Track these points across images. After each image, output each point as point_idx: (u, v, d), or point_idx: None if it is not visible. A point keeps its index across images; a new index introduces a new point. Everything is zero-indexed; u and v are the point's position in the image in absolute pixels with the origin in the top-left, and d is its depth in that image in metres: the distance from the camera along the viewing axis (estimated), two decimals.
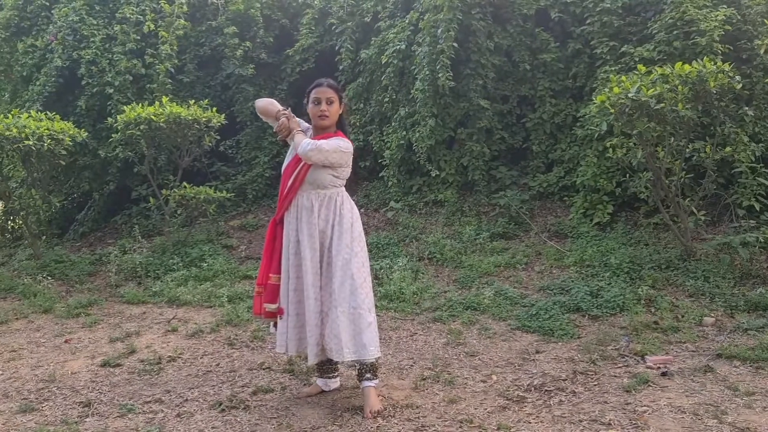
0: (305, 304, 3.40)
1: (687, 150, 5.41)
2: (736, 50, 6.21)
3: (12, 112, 7.04)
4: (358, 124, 8.36)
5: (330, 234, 3.45)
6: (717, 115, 5.37)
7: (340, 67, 8.62)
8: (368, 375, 3.44)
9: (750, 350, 3.92)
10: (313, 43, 8.85)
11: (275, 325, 3.58)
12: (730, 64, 5.01)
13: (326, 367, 3.67)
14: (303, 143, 3.36)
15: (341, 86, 3.46)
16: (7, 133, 6.49)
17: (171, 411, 3.56)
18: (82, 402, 3.72)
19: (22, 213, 7.47)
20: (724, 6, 6.33)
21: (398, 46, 7.73)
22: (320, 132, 3.53)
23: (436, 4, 7.25)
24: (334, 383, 3.72)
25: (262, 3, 9.08)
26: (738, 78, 5.02)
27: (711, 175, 5.39)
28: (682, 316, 4.62)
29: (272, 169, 8.67)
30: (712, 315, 4.61)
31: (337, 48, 8.65)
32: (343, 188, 3.57)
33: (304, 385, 3.84)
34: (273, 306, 3.49)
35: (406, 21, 7.89)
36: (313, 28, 8.94)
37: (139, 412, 3.55)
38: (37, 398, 3.82)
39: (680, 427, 3.07)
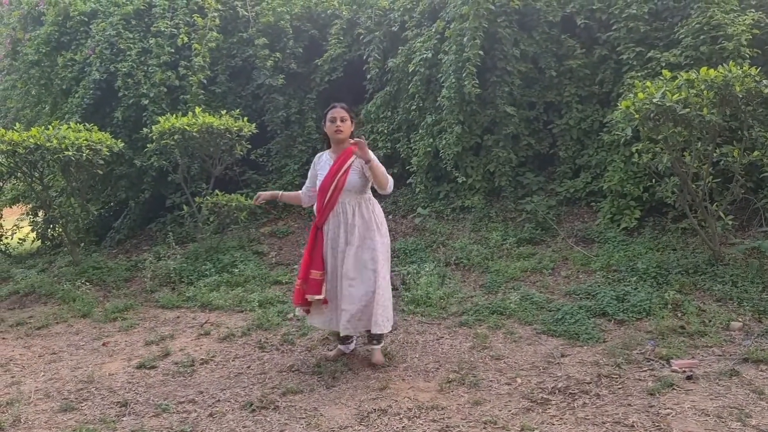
0: (345, 293, 4.10)
1: (714, 154, 5.38)
2: (764, 54, 6.15)
3: (52, 124, 7.27)
4: (385, 131, 8.46)
5: (364, 232, 4.15)
6: (745, 120, 5.34)
7: (368, 76, 8.73)
8: (375, 341, 4.35)
9: None
10: (341, 53, 8.99)
11: (307, 311, 4.31)
12: (757, 68, 4.99)
13: (345, 336, 4.40)
14: (390, 181, 4.21)
15: (351, 107, 4.42)
16: (48, 144, 6.73)
17: (204, 411, 3.68)
18: (119, 402, 3.87)
19: (61, 221, 7.71)
20: (752, 10, 6.29)
21: (425, 55, 7.82)
22: (338, 144, 4.24)
23: (461, 12, 7.33)
24: (352, 346, 4.54)
25: (292, 15, 9.25)
26: (765, 82, 4.97)
27: (739, 180, 5.35)
28: (709, 321, 4.60)
29: (302, 176, 8.80)
30: (740, 319, 4.58)
31: (365, 57, 8.77)
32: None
33: (329, 350, 4.60)
34: (318, 297, 4.13)
35: (433, 30, 7.97)
36: (342, 38, 9.08)
37: (174, 412, 3.69)
38: (76, 398, 3.99)
39: (703, 429, 3.08)
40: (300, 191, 4.59)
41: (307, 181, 4.49)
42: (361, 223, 4.17)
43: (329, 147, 4.35)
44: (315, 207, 4.31)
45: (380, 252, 4.15)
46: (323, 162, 4.31)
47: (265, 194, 4.62)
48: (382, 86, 8.70)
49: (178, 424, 3.53)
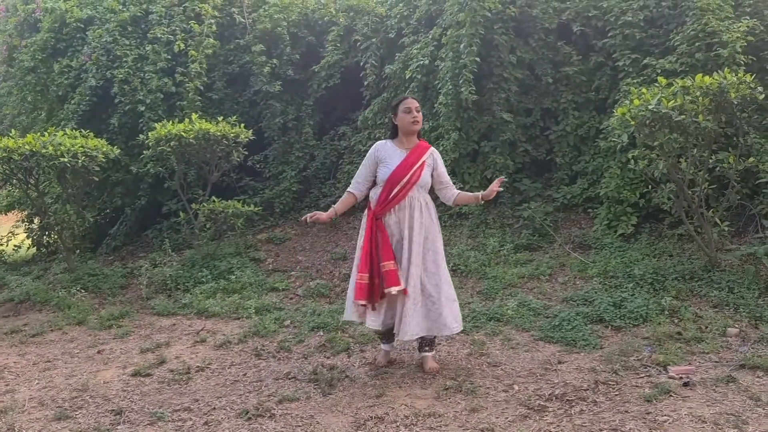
0: (415, 289, 4.03)
1: (710, 161, 5.40)
2: (759, 61, 6.19)
3: (48, 131, 7.26)
4: (383, 138, 8.42)
5: (430, 228, 4.13)
6: (740, 126, 5.36)
7: (365, 83, 8.75)
8: (427, 348, 4.24)
9: None
10: (338, 60, 9.01)
11: (364, 309, 4.13)
12: (752, 75, 5.01)
13: (390, 335, 4.30)
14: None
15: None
16: (44, 150, 6.72)
17: (199, 419, 3.66)
18: (114, 410, 3.85)
19: (57, 228, 7.69)
20: (747, 17, 6.32)
21: (422, 62, 7.83)
22: (410, 136, 4.17)
23: (458, 19, 7.36)
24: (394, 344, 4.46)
25: (289, 21, 9.28)
26: (760, 89, 5.00)
27: (735, 186, 5.36)
28: (706, 327, 4.60)
29: (299, 183, 8.81)
30: (736, 326, 4.58)
31: (362, 64, 8.79)
32: None
33: (375, 355, 4.53)
34: (399, 288, 3.97)
35: (430, 37, 8.00)
36: (339, 44, 9.10)
37: (169, 420, 3.66)
38: (71, 406, 3.96)
39: None
40: (349, 191, 4.23)
41: (362, 170, 4.21)
42: (429, 222, 4.12)
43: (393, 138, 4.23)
44: (375, 196, 4.12)
45: (441, 254, 4.15)
46: (389, 151, 4.14)
47: (322, 216, 4.15)
48: (379, 93, 8.72)
49: None
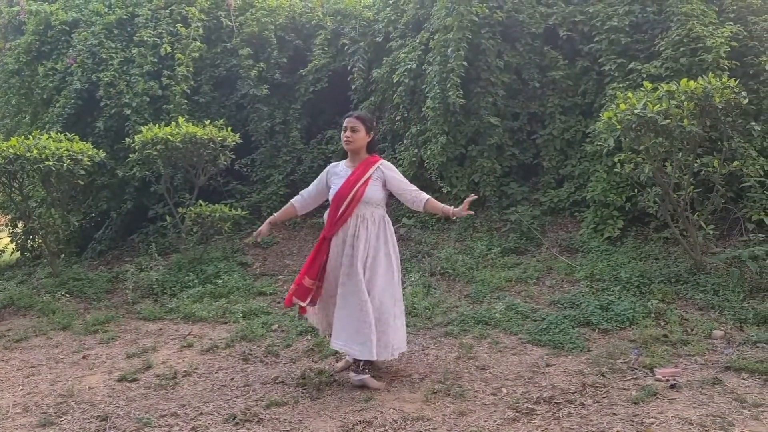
0: (360, 307, 3.96)
1: (695, 165, 5.45)
2: (743, 66, 6.27)
3: (32, 134, 7.20)
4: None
5: (377, 249, 4.06)
6: (724, 130, 5.41)
7: (353, 87, 8.75)
8: (352, 371, 4.15)
9: (759, 363, 3.94)
10: (326, 63, 9.00)
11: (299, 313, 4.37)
12: (736, 80, 5.07)
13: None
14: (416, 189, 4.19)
15: (370, 116, 4.36)
16: (28, 154, 6.66)
17: (186, 424, 3.64)
18: (99, 416, 3.82)
19: (41, 232, 7.61)
20: (731, 23, 6.40)
21: (409, 66, 7.85)
22: (356, 155, 4.16)
23: (445, 24, 7.38)
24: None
25: (276, 25, 9.26)
26: (744, 93, 5.06)
27: (719, 190, 5.42)
28: (692, 330, 4.63)
29: (286, 187, 8.79)
30: (722, 328, 4.62)
31: (349, 68, 8.79)
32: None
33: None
34: (301, 303, 4.10)
35: (417, 41, 8.02)
36: (326, 48, 9.09)
37: (155, 426, 3.64)
38: (56, 412, 3.92)
39: None
40: (291, 202, 4.39)
41: (311, 186, 4.36)
42: (376, 242, 4.06)
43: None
44: (326, 216, 4.16)
45: (383, 276, 4.05)
46: (339, 170, 4.19)
47: (262, 230, 4.35)
48: (367, 96, 8.72)
49: None
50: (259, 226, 8.31)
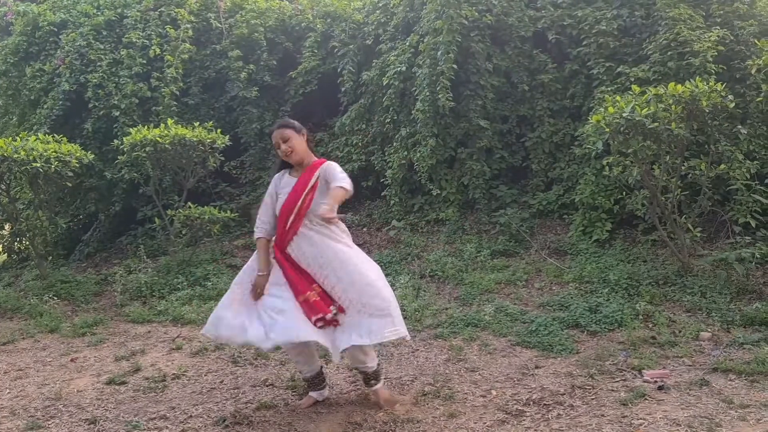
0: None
1: (682, 168, 5.50)
2: (729, 70, 6.33)
3: (20, 135, 7.12)
4: (360, 144, 8.47)
5: (332, 257, 3.57)
6: (711, 134, 5.47)
7: (342, 89, 8.75)
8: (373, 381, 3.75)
9: (745, 364, 3.97)
10: (315, 66, 9.00)
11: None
12: (723, 84, 5.12)
13: (318, 380, 3.87)
14: (344, 186, 3.48)
15: (291, 120, 3.87)
16: (15, 155, 6.59)
17: (176, 427, 3.62)
18: (88, 419, 3.79)
19: (28, 234, 7.55)
20: (718, 27, 6.47)
21: (399, 68, 7.86)
22: (300, 166, 3.70)
23: (435, 27, 7.40)
24: (325, 392, 3.92)
25: (266, 27, 9.24)
26: (731, 97, 5.12)
27: (707, 193, 5.47)
28: (679, 331, 4.67)
29: None
30: (709, 330, 4.66)
31: (339, 70, 8.79)
32: None
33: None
34: (333, 312, 3.49)
35: (407, 44, 8.03)
36: (316, 51, 9.08)
37: (144, 429, 3.62)
38: (43, 416, 3.89)
39: None
40: (257, 237, 3.78)
41: (264, 209, 3.79)
42: (328, 247, 3.59)
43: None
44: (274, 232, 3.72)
45: (354, 261, 3.59)
46: (285, 181, 3.74)
47: (261, 282, 3.67)
48: (357, 99, 8.72)
49: None
50: (249, 228, 8.33)
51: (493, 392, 3.90)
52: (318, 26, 9.19)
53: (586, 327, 4.90)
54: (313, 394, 3.87)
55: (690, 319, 4.89)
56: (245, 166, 9.09)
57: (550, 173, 7.42)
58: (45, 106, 8.68)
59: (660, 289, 5.35)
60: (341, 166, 3.79)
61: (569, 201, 7.01)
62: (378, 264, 3.77)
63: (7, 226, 8.65)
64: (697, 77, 5.35)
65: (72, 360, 4.99)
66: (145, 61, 8.72)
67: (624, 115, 5.05)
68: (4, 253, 9.11)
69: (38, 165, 6.65)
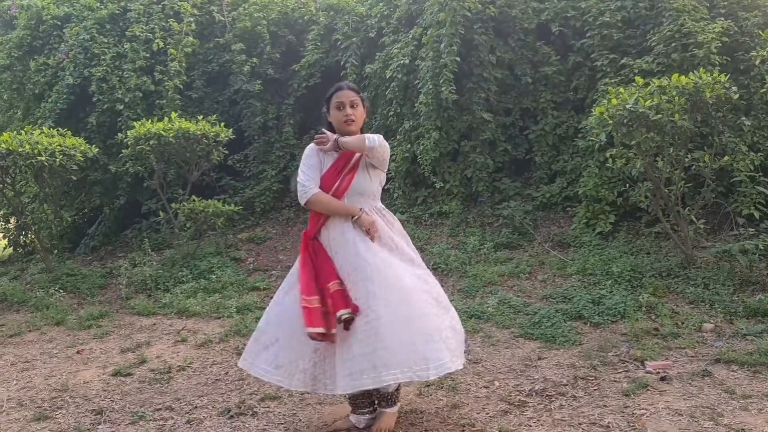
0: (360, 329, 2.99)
1: (686, 160, 5.49)
2: (733, 61, 6.30)
3: (25, 129, 7.17)
4: None
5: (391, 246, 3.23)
6: (715, 126, 5.45)
7: None
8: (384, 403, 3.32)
9: (748, 355, 3.98)
10: (318, 59, 9.01)
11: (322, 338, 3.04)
12: (727, 75, 5.10)
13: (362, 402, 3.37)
14: (369, 137, 3.08)
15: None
16: (20, 149, 6.63)
17: (181, 418, 3.65)
18: (94, 410, 3.82)
19: (34, 228, 7.60)
20: (722, 18, 6.44)
21: (402, 61, 7.86)
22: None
23: (438, 19, 7.39)
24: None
25: (269, 20, 9.25)
26: (734, 89, 5.10)
27: (710, 184, 5.46)
28: (682, 323, 4.68)
29: (279, 182, 8.80)
30: (712, 321, 4.67)
31: (342, 63, 8.79)
32: None
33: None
34: (346, 311, 2.98)
35: (410, 36, 8.02)
36: (319, 44, 9.09)
37: (150, 420, 3.65)
38: (50, 407, 3.92)
39: (677, 428, 3.13)
40: (316, 194, 3.17)
41: (311, 172, 3.21)
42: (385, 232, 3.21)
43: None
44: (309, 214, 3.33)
45: (380, 285, 3.04)
46: (325, 155, 3.25)
47: (366, 219, 3.19)
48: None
49: (154, 431, 3.49)
50: (253, 221, 8.34)
51: (496, 383, 3.92)
52: (321, 19, 9.20)
53: (589, 319, 4.91)
54: (352, 419, 3.38)
55: (693, 310, 4.90)
56: (249, 160, 9.11)
57: (554, 166, 7.41)
58: (49, 100, 8.71)
59: (663, 281, 5.36)
60: None
61: (572, 193, 7.01)
62: None
63: (12, 220, 8.71)
64: (701, 68, 5.33)
65: (78, 352, 5.03)
66: (148, 55, 8.74)
67: (627, 107, 5.04)
68: (9, 247, 9.17)
69: (43, 159, 6.69)
